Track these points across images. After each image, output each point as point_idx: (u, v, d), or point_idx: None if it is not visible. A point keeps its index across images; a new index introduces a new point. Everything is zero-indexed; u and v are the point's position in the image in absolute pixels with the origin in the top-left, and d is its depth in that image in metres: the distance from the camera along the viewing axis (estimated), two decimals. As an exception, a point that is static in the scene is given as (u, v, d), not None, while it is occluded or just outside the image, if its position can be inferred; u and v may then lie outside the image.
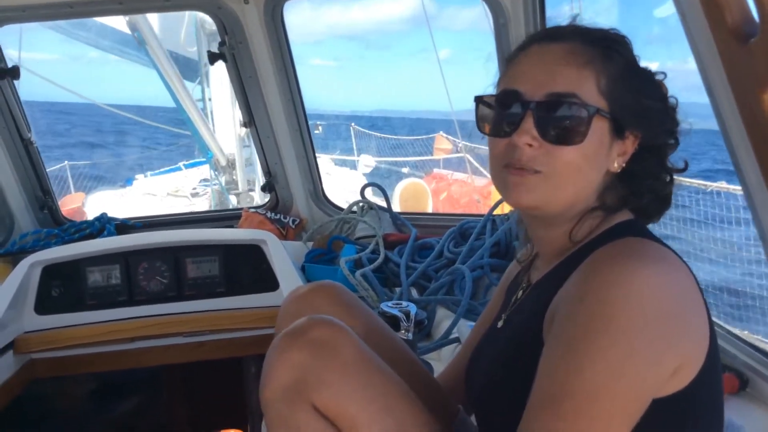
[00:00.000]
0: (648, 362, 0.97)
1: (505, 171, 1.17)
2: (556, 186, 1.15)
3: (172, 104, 5.92)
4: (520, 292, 1.34)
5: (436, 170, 12.21)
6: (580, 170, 1.15)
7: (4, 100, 3.11)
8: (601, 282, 0.99)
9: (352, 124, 15.49)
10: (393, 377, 1.23)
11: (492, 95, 1.23)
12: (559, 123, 1.13)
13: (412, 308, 1.92)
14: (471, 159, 10.26)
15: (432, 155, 13.97)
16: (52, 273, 2.67)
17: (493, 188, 9.37)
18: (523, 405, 1.02)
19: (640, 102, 1.17)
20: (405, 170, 13.62)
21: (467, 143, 10.53)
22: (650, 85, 1.20)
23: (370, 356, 1.23)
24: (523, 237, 1.41)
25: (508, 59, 1.25)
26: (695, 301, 1.04)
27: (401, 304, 1.95)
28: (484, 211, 2.86)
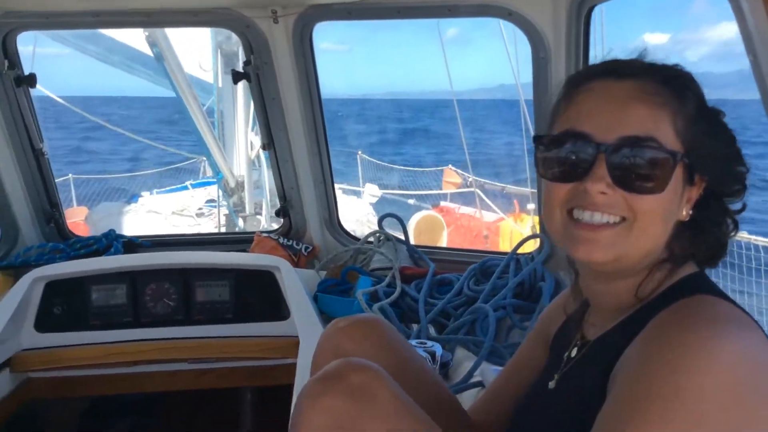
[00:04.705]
0: None
1: (573, 224, 1.08)
2: (636, 237, 1.05)
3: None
4: (575, 350, 1.23)
5: (443, 203, 12.10)
6: (662, 220, 1.07)
7: (18, 108, 3.04)
8: (672, 346, 0.90)
9: (359, 152, 15.40)
10: (430, 425, 1.14)
11: (553, 136, 1.12)
12: (637, 169, 1.03)
13: (438, 348, 1.82)
14: (480, 194, 10.18)
15: (441, 188, 13.86)
16: (54, 289, 2.57)
17: (501, 225, 9.33)
18: None
19: (712, 145, 1.09)
20: (411, 201, 13.52)
21: (477, 178, 10.47)
22: (720, 127, 1.13)
23: (408, 403, 1.14)
24: (573, 287, 1.32)
25: (564, 96, 1.15)
26: None
27: (426, 343, 1.85)
28: (492, 247, 2.76)
